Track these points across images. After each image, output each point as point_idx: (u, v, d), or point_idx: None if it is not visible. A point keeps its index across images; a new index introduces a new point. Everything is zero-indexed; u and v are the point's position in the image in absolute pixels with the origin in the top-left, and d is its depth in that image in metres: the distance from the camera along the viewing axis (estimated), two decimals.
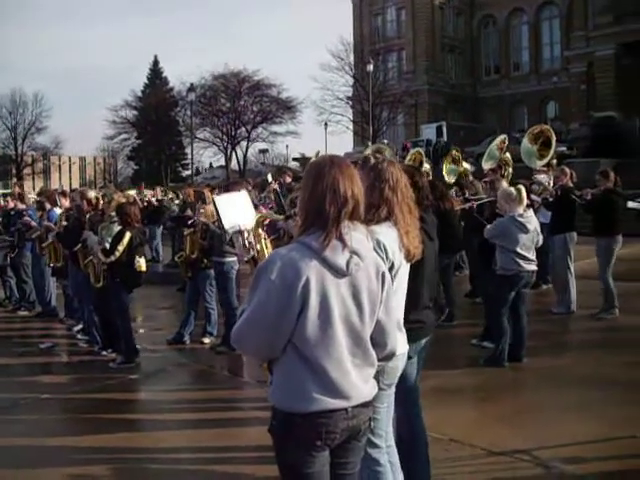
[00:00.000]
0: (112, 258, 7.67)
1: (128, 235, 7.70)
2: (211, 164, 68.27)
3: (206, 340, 8.71)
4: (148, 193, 17.79)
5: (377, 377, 3.30)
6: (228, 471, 4.96)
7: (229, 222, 7.35)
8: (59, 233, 9.29)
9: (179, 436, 5.83)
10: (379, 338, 2.73)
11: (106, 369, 7.73)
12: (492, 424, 5.66)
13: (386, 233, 3.30)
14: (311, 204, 2.59)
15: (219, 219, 7.48)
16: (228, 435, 5.63)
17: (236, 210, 7.51)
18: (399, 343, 3.47)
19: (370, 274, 2.63)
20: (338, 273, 2.53)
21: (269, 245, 3.22)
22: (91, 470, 5.05)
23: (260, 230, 3.23)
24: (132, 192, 19.94)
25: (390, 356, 2.88)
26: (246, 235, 7.55)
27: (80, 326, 9.40)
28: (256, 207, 11.08)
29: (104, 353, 8.31)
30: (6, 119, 60.38)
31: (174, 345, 8.71)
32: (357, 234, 2.61)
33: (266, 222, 3.64)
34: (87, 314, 8.96)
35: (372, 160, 3.41)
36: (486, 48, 64.66)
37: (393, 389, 3.57)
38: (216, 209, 7.61)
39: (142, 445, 5.55)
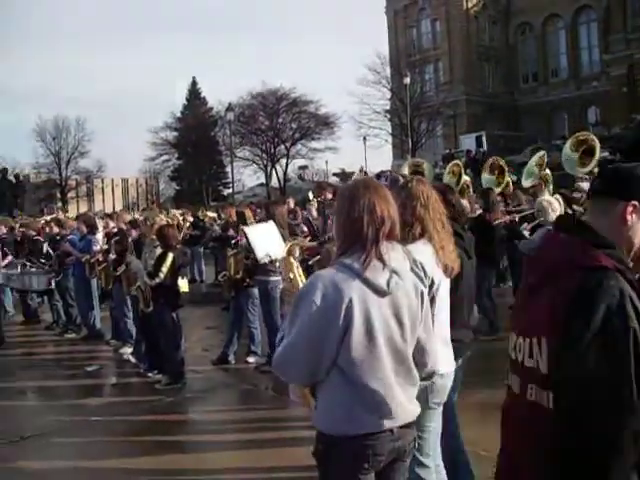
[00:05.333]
0: (157, 280, 7.75)
1: (171, 257, 7.78)
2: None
3: (251, 359, 8.73)
4: (176, 213, 18.01)
5: (426, 396, 3.31)
6: None
7: (261, 251, 7.49)
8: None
9: (226, 457, 5.83)
10: (419, 357, 2.73)
11: (152, 390, 7.80)
12: None
13: (422, 251, 3.30)
14: (349, 226, 2.62)
15: (251, 249, 7.64)
16: (275, 455, 5.60)
17: (267, 240, 7.67)
18: (446, 360, 3.45)
19: (409, 292, 2.64)
20: (379, 293, 2.54)
21: (302, 273, 3.21)
22: None
23: (292, 259, 3.23)
24: (177, 212, 20.19)
25: (431, 375, 2.88)
26: (277, 265, 7.67)
27: (129, 348, 9.52)
28: (297, 226, 11.23)
29: (150, 374, 8.37)
30: (50, 144, 61.23)
31: (219, 365, 8.74)
32: (395, 254, 2.63)
33: (303, 249, 3.67)
34: (133, 333, 9.13)
35: (401, 180, 3.45)
36: (523, 55, 64.09)
37: (441, 408, 3.54)
38: (247, 240, 7.78)
39: (189, 467, 5.58)
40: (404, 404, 2.62)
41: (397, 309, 2.59)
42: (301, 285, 3.14)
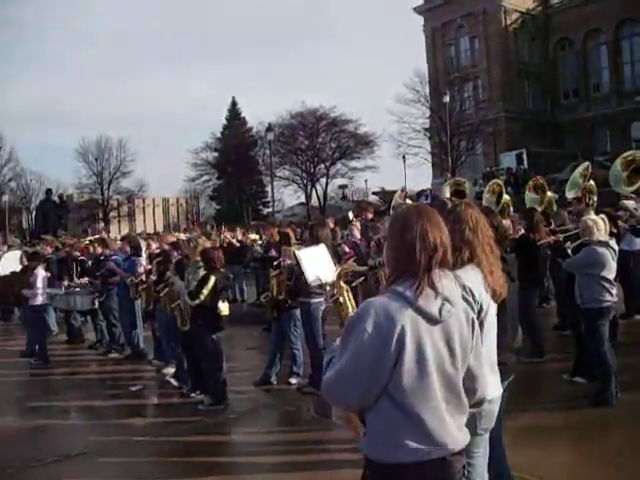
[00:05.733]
0: (197, 301, 7.81)
1: (213, 279, 7.83)
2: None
3: (293, 381, 8.72)
4: (228, 234, 17.93)
5: (474, 422, 3.27)
6: None
7: (312, 275, 7.53)
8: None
9: (268, 479, 5.82)
10: (469, 384, 2.69)
11: (195, 411, 7.82)
12: (588, 465, 5.43)
13: (471, 276, 3.28)
14: (401, 253, 2.61)
15: (302, 273, 7.69)
16: (317, 478, 5.59)
17: (318, 263, 7.71)
18: (493, 386, 3.41)
19: (461, 320, 2.62)
20: (432, 321, 2.52)
21: (351, 297, 3.19)
22: None
23: (342, 283, 3.21)
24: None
25: (480, 402, 2.83)
26: (328, 288, 7.70)
27: (172, 369, 9.57)
28: (339, 246, 11.20)
29: (193, 395, 8.41)
30: (92, 165, 62.20)
31: (261, 386, 8.74)
32: (447, 281, 2.61)
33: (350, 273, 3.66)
34: (175, 355, 9.18)
35: (450, 204, 3.43)
36: (563, 71, 63.46)
37: (488, 434, 3.50)
38: (299, 263, 7.82)
39: None
40: (454, 432, 2.59)
41: (449, 337, 2.57)
42: (351, 310, 3.12)
